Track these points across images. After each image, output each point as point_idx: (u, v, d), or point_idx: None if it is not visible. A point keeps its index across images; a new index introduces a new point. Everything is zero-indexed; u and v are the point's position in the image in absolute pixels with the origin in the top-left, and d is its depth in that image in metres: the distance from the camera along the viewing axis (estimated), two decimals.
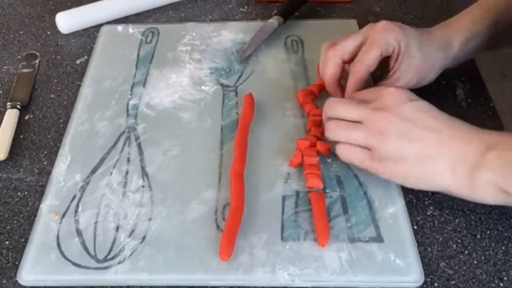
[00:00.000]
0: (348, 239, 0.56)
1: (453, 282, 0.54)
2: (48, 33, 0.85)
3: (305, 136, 0.65)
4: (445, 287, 0.54)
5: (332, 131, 0.60)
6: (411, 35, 0.64)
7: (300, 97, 0.70)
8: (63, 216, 0.60)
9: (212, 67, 0.77)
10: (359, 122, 0.57)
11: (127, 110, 0.71)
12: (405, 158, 0.55)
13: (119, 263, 0.55)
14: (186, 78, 0.75)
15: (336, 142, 0.60)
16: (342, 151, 0.59)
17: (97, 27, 0.85)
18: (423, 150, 0.54)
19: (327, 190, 0.60)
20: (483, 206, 0.60)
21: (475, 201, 0.56)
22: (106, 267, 0.55)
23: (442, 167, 0.54)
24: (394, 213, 0.58)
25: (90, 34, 0.84)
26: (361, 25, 0.82)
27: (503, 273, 0.55)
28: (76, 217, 0.59)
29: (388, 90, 0.58)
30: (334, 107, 0.60)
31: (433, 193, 0.61)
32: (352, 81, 0.63)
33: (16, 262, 0.57)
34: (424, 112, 0.56)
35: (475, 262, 0.56)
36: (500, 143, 0.53)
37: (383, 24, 0.63)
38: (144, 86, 0.74)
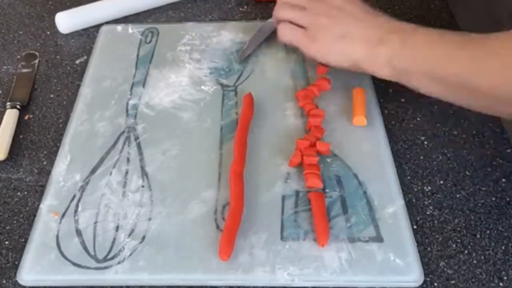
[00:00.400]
0: (347, 239, 0.56)
1: (452, 281, 0.54)
2: (48, 33, 0.85)
3: (305, 136, 0.65)
4: (445, 287, 0.54)
5: (281, 10, 0.72)
6: None
7: (300, 97, 0.70)
8: (63, 216, 0.60)
9: (211, 67, 0.77)
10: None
11: (127, 110, 0.71)
12: (329, 36, 0.66)
13: (118, 263, 0.55)
14: (185, 78, 0.75)
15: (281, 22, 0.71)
16: (283, 28, 0.71)
17: (97, 27, 0.85)
18: (345, 31, 0.65)
19: (327, 190, 0.60)
20: (483, 206, 0.60)
21: (377, 76, 0.64)
22: (106, 267, 0.55)
23: (357, 44, 0.64)
24: (394, 213, 0.58)
25: (89, 34, 0.84)
26: None
27: (503, 272, 0.55)
28: (76, 217, 0.59)
29: None
30: None
31: (433, 193, 0.61)
32: None
33: (16, 262, 0.57)
34: (350, 4, 0.68)
35: (475, 261, 0.56)
36: (404, 29, 0.63)
37: None
38: (143, 86, 0.74)
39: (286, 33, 0.70)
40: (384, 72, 0.63)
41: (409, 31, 0.62)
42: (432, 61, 0.59)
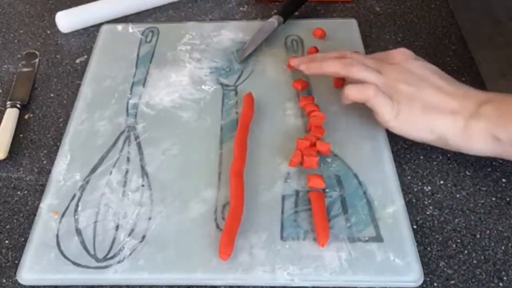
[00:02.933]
0: (347, 239, 0.56)
1: (452, 281, 0.54)
2: (48, 32, 0.85)
3: (305, 136, 0.65)
4: (445, 287, 0.54)
5: (354, 67, 0.63)
6: None
7: (301, 100, 0.70)
8: (63, 215, 0.60)
9: (212, 67, 0.77)
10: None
11: (127, 110, 0.71)
12: (412, 106, 0.60)
13: (118, 262, 0.55)
14: (186, 77, 0.75)
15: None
16: (375, 91, 0.61)
17: (97, 26, 0.85)
18: (429, 100, 0.60)
19: (327, 190, 0.60)
20: (483, 205, 0.60)
21: (469, 151, 0.60)
22: (106, 266, 0.55)
23: (443, 116, 0.59)
24: (394, 212, 0.58)
25: (90, 33, 0.84)
26: (361, 25, 0.82)
27: (503, 272, 0.55)
28: (76, 216, 0.59)
29: (397, 49, 0.65)
30: (348, 53, 0.66)
31: (433, 193, 0.61)
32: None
33: (16, 261, 0.57)
34: (429, 70, 0.62)
35: (475, 261, 0.56)
36: (495, 98, 0.58)
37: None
38: (144, 85, 0.74)
39: (377, 97, 0.61)
40: (482, 147, 0.58)
41: (502, 99, 0.58)
42: None
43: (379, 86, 0.61)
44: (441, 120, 0.59)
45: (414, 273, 0.54)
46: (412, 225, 0.58)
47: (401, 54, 0.64)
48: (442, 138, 0.60)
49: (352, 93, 0.63)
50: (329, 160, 0.63)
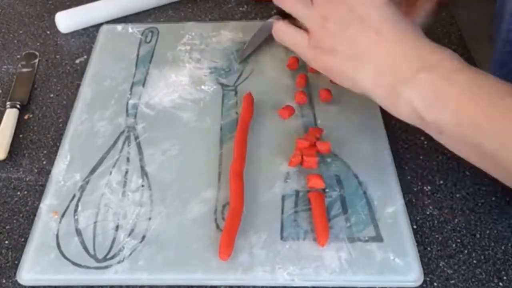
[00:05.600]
0: (347, 239, 0.56)
1: (452, 281, 0.54)
2: (48, 32, 0.85)
3: (305, 136, 0.65)
4: (445, 287, 0.54)
5: (288, 1, 0.57)
6: None
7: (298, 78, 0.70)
8: (63, 215, 0.60)
9: (211, 67, 0.77)
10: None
11: (127, 110, 0.71)
12: (337, 50, 0.52)
13: (118, 262, 0.55)
14: (185, 77, 0.75)
15: (277, 19, 0.60)
16: (280, 29, 0.56)
17: (97, 26, 0.85)
18: (356, 48, 0.51)
19: (327, 190, 0.60)
20: (483, 205, 0.60)
21: (392, 114, 0.51)
22: (106, 267, 0.55)
23: (369, 70, 0.50)
24: (394, 212, 0.58)
25: (89, 33, 0.84)
26: None
27: (503, 272, 0.55)
28: (76, 217, 0.59)
29: None
30: None
31: (433, 192, 0.61)
32: None
33: (16, 262, 0.57)
34: (375, 10, 0.51)
35: (475, 261, 0.56)
36: (437, 68, 0.48)
37: None
38: (143, 85, 0.74)
39: (282, 36, 0.56)
40: (405, 117, 0.50)
41: (446, 68, 0.48)
42: (464, 121, 0.46)
43: (304, 21, 0.54)
44: (363, 77, 0.50)
45: (414, 273, 0.54)
46: (412, 225, 0.58)
47: None
48: (367, 95, 0.52)
49: (275, 34, 0.58)
50: (329, 160, 0.63)
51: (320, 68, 0.55)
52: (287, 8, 0.56)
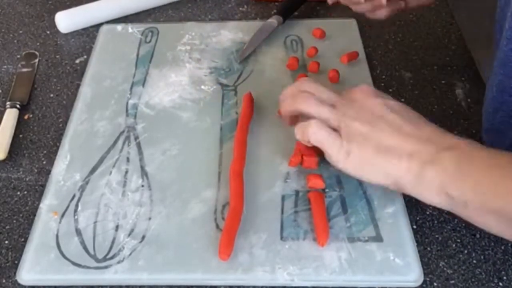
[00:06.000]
0: (347, 239, 0.56)
1: (452, 281, 0.54)
2: (48, 32, 0.85)
3: None
4: (445, 287, 0.54)
5: (305, 102, 0.59)
6: None
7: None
8: (63, 215, 0.60)
9: (211, 67, 0.77)
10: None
11: (127, 110, 0.71)
12: (366, 146, 0.55)
13: (118, 262, 0.55)
14: (185, 77, 0.75)
15: (292, 119, 0.62)
16: (316, 127, 0.57)
17: (97, 26, 0.85)
18: (384, 140, 0.54)
19: (327, 190, 0.60)
20: None
21: (423, 201, 0.54)
22: (106, 267, 0.55)
23: (398, 160, 0.53)
24: (394, 212, 0.58)
25: (89, 33, 0.84)
26: (360, 25, 0.82)
27: (502, 272, 0.55)
28: (76, 217, 0.59)
29: (358, 87, 0.60)
30: (307, 84, 0.61)
31: None
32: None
33: (16, 262, 0.57)
34: (388, 108, 0.56)
35: (475, 261, 0.56)
36: (459, 147, 0.52)
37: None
38: (143, 85, 0.74)
39: (316, 133, 0.57)
40: (435, 199, 0.52)
41: (465, 149, 0.52)
42: (489, 191, 0.49)
43: (331, 122, 0.57)
44: (394, 164, 0.53)
45: (414, 273, 0.54)
46: (412, 225, 0.58)
47: (360, 92, 0.59)
48: (398, 184, 0.54)
49: (297, 132, 0.59)
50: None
51: (353, 167, 0.56)
52: (313, 111, 0.58)
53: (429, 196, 0.53)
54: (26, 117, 0.72)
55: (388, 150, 0.54)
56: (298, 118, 0.62)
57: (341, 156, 0.56)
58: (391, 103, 0.58)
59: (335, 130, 0.57)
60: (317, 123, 0.57)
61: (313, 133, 0.57)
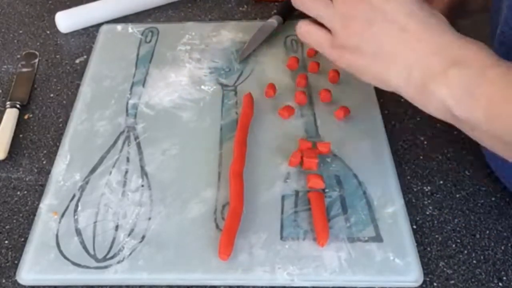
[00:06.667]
0: (347, 239, 0.56)
1: (452, 281, 0.54)
2: (48, 32, 0.85)
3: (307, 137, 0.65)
4: (445, 287, 0.54)
5: (301, 3, 0.55)
6: None
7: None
8: (63, 215, 0.60)
9: (211, 67, 0.77)
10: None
11: (127, 110, 0.71)
12: (362, 49, 0.50)
13: (118, 262, 0.55)
14: (185, 77, 0.75)
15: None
16: (303, 29, 0.54)
17: (97, 26, 0.85)
18: (383, 46, 0.49)
19: (327, 190, 0.60)
20: (483, 205, 0.60)
21: (425, 111, 0.50)
22: (106, 267, 0.55)
23: (398, 68, 0.49)
24: (394, 212, 0.58)
25: (89, 33, 0.84)
26: None
27: (502, 272, 0.55)
28: (76, 217, 0.59)
29: None
30: None
31: (432, 193, 0.61)
32: None
33: (16, 262, 0.57)
34: (398, 5, 0.50)
35: (474, 261, 0.56)
36: (467, 63, 0.47)
37: None
38: (143, 85, 0.74)
39: (305, 36, 0.55)
40: (438, 115, 0.49)
41: (475, 64, 0.46)
42: (496, 117, 0.45)
43: (325, 22, 0.52)
44: (393, 72, 0.49)
45: (414, 273, 0.54)
46: (411, 225, 0.58)
47: None
48: (398, 92, 0.50)
49: (300, 34, 0.56)
50: (328, 160, 0.63)
51: (346, 67, 0.53)
52: (306, 9, 0.54)
53: (432, 110, 0.49)
54: (26, 117, 0.72)
55: (386, 56, 0.49)
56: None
57: (334, 58, 0.52)
58: None
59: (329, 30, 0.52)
60: (303, 23, 0.54)
61: (300, 34, 0.54)
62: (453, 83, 0.46)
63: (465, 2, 0.65)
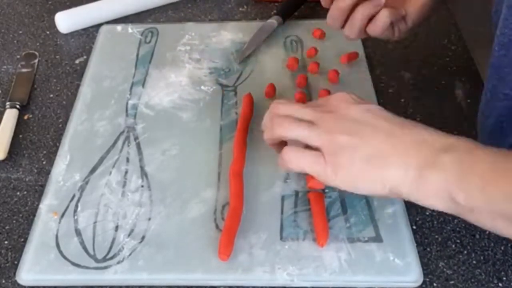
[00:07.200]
0: (347, 239, 0.56)
1: (452, 282, 0.54)
2: (47, 32, 0.85)
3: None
4: (444, 287, 0.54)
5: (280, 126, 0.54)
6: None
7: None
8: (62, 215, 0.60)
9: (211, 67, 0.77)
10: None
11: (126, 110, 0.71)
12: (355, 158, 0.51)
13: (118, 262, 0.55)
14: (185, 78, 0.75)
15: (279, 146, 0.56)
16: (290, 155, 0.53)
17: (97, 26, 0.85)
18: (373, 150, 0.51)
19: (326, 190, 0.60)
20: None
21: (425, 206, 0.51)
22: (105, 267, 0.55)
23: (393, 167, 0.50)
24: (393, 213, 0.58)
25: (89, 34, 0.84)
26: None
27: (502, 273, 0.55)
28: (75, 217, 0.59)
29: (335, 94, 0.56)
30: (281, 107, 0.56)
31: None
32: None
33: (15, 262, 0.57)
34: (372, 114, 0.53)
35: (474, 262, 0.56)
36: (456, 146, 0.49)
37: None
38: (143, 85, 0.74)
39: (293, 161, 0.53)
40: (438, 205, 0.49)
41: (464, 148, 0.48)
42: (493, 193, 0.46)
43: (312, 141, 0.53)
44: (390, 172, 0.50)
45: (414, 274, 0.54)
46: (411, 226, 0.58)
47: (338, 101, 0.55)
48: (397, 192, 0.50)
49: (279, 163, 0.55)
50: None
51: (342, 183, 0.52)
52: (291, 135, 0.54)
53: (432, 201, 0.49)
54: (26, 117, 0.72)
55: (380, 158, 0.50)
56: (283, 144, 0.56)
57: (329, 174, 0.52)
58: (373, 107, 0.54)
59: (317, 149, 0.52)
60: (290, 149, 0.53)
61: (289, 161, 0.53)
62: (448, 166, 0.48)
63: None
